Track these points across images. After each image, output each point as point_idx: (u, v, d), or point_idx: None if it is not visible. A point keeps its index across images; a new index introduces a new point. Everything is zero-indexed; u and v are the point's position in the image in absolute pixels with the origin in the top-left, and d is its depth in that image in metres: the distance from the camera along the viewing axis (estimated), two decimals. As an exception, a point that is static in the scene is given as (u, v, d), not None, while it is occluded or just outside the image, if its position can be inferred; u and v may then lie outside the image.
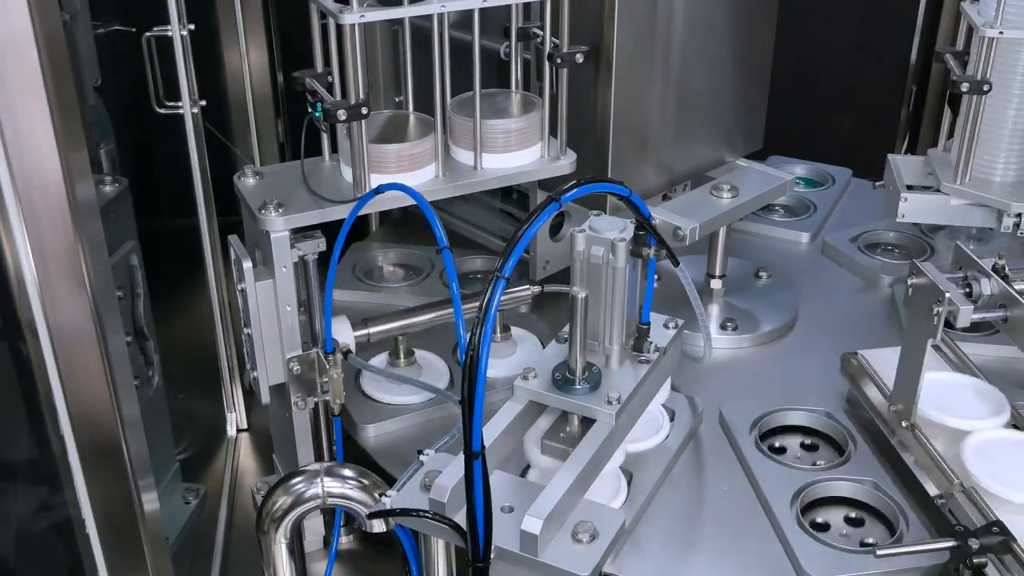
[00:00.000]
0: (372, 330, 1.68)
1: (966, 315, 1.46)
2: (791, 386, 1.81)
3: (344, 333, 1.62)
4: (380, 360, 1.83)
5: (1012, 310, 1.49)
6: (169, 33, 1.87)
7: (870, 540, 1.50)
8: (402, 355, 1.81)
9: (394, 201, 1.59)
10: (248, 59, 2.32)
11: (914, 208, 1.91)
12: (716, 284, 2.04)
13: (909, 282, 1.54)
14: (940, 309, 1.47)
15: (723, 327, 1.96)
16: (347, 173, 1.63)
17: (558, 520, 1.27)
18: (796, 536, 1.46)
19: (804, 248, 2.30)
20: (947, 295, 1.46)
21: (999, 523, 1.32)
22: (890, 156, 2.02)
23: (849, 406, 1.74)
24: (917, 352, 1.53)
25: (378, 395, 1.79)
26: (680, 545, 1.50)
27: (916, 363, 1.54)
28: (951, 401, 1.59)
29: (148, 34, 1.95)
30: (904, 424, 1.57)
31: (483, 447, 1.19)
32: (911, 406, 1.56)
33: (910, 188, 1.94)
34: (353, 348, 1.62)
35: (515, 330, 1.92)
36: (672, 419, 1.70)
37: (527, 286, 1.78)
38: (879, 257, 2.22)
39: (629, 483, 1.56)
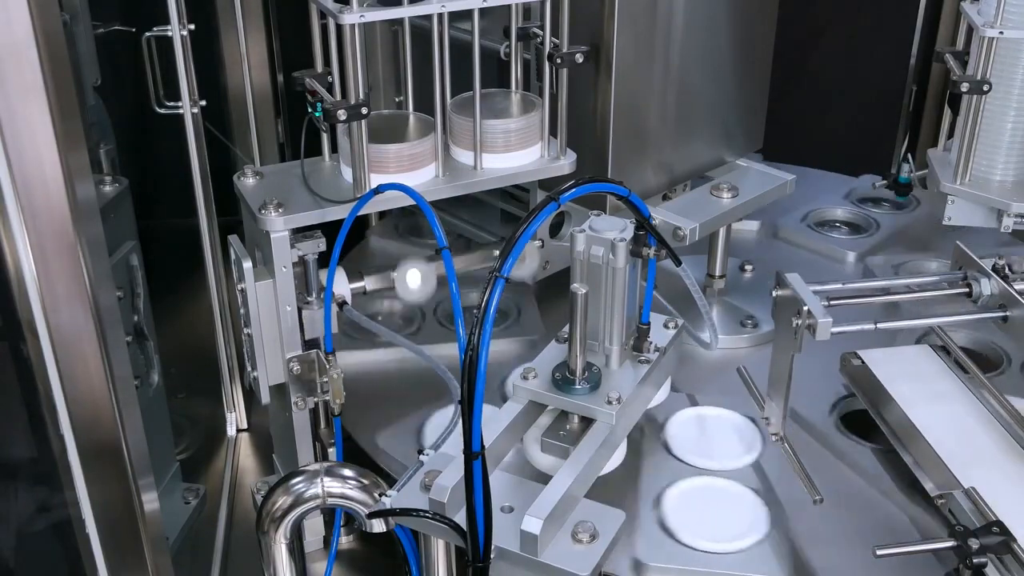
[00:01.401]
0: (368, 282, 1.67)
1: (824, 328, 1.41)
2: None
3: (340, 284, 1.62)
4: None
5: (1012, 310, 1.49)
6: (169, 33, 1.87)
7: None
8: None
9: (394, 201, 1.59)
10: (248, 59, 2.32)
11: (961, 211, 1.89)
12: (716, 284, 2.04)
13: (773, 294, 1.52)
14: (799, 322, 1.44)
15: (743, 324, 1.96)
16: (347, 173, 1.63)
17: (558, 520, 1.27)
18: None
19: (757, 236, 2.33)
20: (806, 308, 1.42)
21: (999, 523, 1.32)
22: (930, 151, 2.00)
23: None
24: (783, 364, 1.52)
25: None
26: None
27: (783, 376, 1.53)
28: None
29: (148, 34, 1.95)
30: (774, 437, 1.57)
31: (483, 447, 1.19)
32: (779, 419, 1.57)
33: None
34: (349, 299, 1.61)
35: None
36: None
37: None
38: (832, 235, 2.29)
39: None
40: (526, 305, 2.03)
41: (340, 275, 1.62)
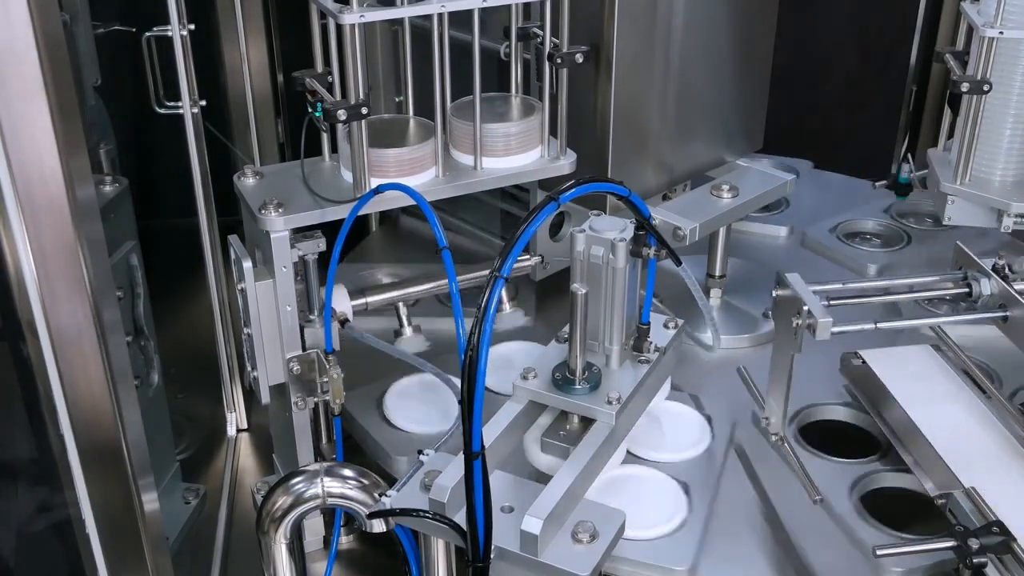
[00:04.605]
0: (370, 299, 1.67)
1: (825, 328, 1.41)
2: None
3: (342, 302, 1.62)
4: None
5: (1012, 310, 1.49)
6: (169, 33, 1.87)
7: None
8: (406, 323, 1.79)
9: (394, 201, 1.59)
10: (248, 59, 2.31)
11: (961, 211, 1.88)
12: (716, 284, 2.04)
13: (774, 294, 1.51)
14: (799, 322, 1.44)
15: (765, 316, 1.97)
16: (347, 177, 1.63)
17: (558, 520, 1.27)
18: (861, 528, 1.48)
19: (784, 242, 2.32)
20: (806, 308, 1.42)
21: (999, 523, 1.32)
22: (930, 151, 1.99)
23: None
24: (783, 365, 1.52)
25: (407, 425, 1.74)
26: (746, 547, 1.49)
27: (783, 376, 1.53)
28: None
29: (148, 34, 1.95)
30: (774, 437, 1.57)
31: (483, 447, 1.19)
32: (780, 419, 1.57)
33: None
34: (351, 317, 1.61)
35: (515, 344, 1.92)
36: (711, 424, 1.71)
37: (528, 256, 1.79)
38: (860, 247, 2.25)
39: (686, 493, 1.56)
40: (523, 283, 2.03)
41: (342, 292, 1.62)
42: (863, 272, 2.18)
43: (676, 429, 1.68)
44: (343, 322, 1.59)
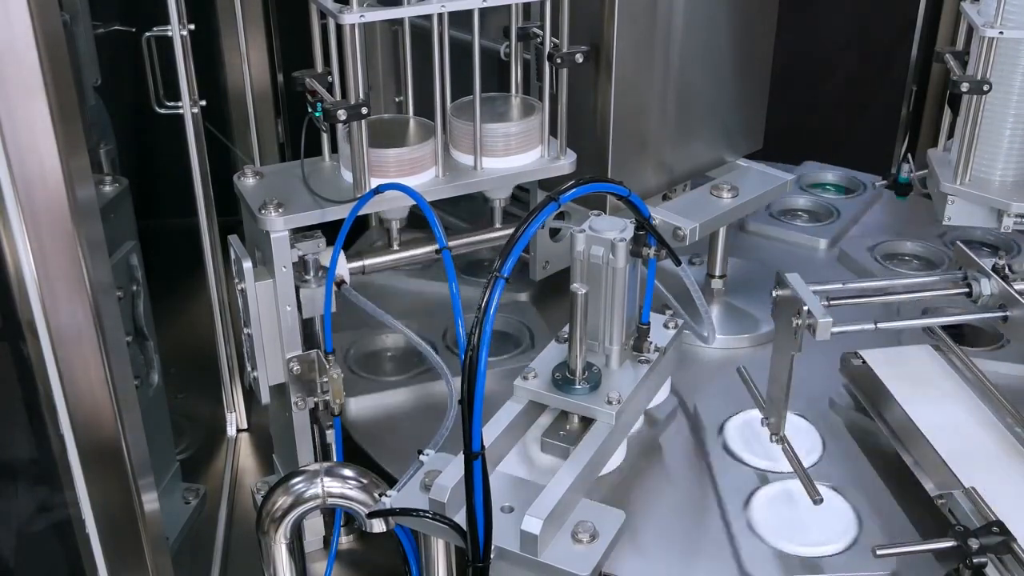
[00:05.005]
0: (367, 262, 1.66)
1: (825, 328, 1.40)
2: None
3: (339, 264, 1.61)
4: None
5: (1012, 310, 1.49)
6: (169, 33, 1.87)
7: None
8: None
9: (394, 201, 1.59)
10: (248, 59, 2.32)
11: (961, 211, 1.89)
12: (716, 284, 2.05)
13: (773, 294, 1.51)
14: (799, 321, 1.43)
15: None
16: (347, 177, 1.63)
17: (558, 520, 1.27)
18: None
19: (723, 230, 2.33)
20: (806, 308, 1.42)
21: (999, 523, 1.32)
22: (930, 151, 1.99)
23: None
24: (783, 365, 1.51)
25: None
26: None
27: (783, 376, 1.52)
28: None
29: (148, 34, 1.95)
30: (774, 438, 1.57)
31: (483, 447, 1.19)
32: (780, 420, 1.56)
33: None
34: (347, 279, 1.61)
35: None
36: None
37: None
38: (799, 224, 2.36)
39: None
40: (537, 329, 1.99)
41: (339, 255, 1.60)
42: (816, 249, 2.28)
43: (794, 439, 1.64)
44: (339, 284, 1.59)
